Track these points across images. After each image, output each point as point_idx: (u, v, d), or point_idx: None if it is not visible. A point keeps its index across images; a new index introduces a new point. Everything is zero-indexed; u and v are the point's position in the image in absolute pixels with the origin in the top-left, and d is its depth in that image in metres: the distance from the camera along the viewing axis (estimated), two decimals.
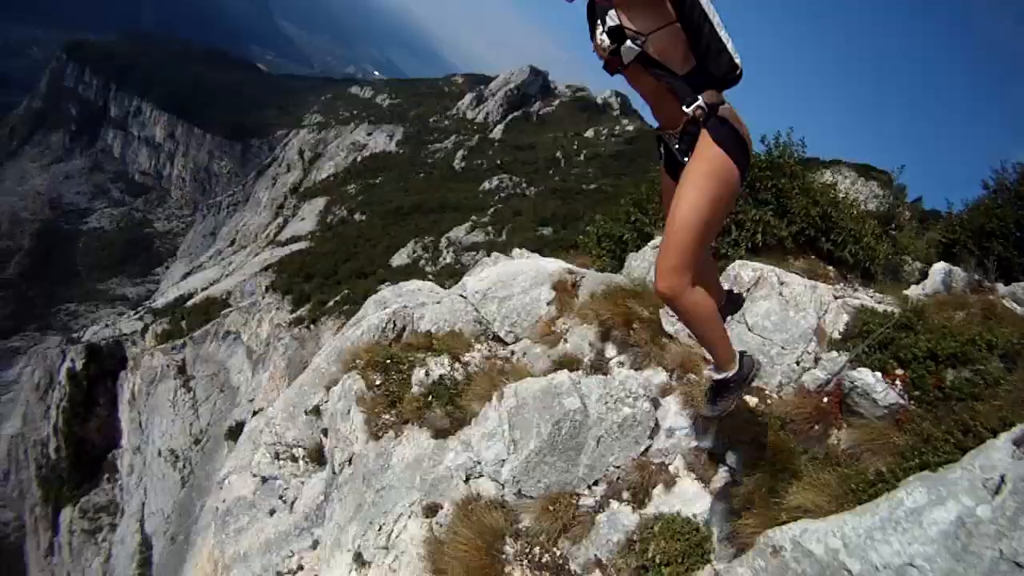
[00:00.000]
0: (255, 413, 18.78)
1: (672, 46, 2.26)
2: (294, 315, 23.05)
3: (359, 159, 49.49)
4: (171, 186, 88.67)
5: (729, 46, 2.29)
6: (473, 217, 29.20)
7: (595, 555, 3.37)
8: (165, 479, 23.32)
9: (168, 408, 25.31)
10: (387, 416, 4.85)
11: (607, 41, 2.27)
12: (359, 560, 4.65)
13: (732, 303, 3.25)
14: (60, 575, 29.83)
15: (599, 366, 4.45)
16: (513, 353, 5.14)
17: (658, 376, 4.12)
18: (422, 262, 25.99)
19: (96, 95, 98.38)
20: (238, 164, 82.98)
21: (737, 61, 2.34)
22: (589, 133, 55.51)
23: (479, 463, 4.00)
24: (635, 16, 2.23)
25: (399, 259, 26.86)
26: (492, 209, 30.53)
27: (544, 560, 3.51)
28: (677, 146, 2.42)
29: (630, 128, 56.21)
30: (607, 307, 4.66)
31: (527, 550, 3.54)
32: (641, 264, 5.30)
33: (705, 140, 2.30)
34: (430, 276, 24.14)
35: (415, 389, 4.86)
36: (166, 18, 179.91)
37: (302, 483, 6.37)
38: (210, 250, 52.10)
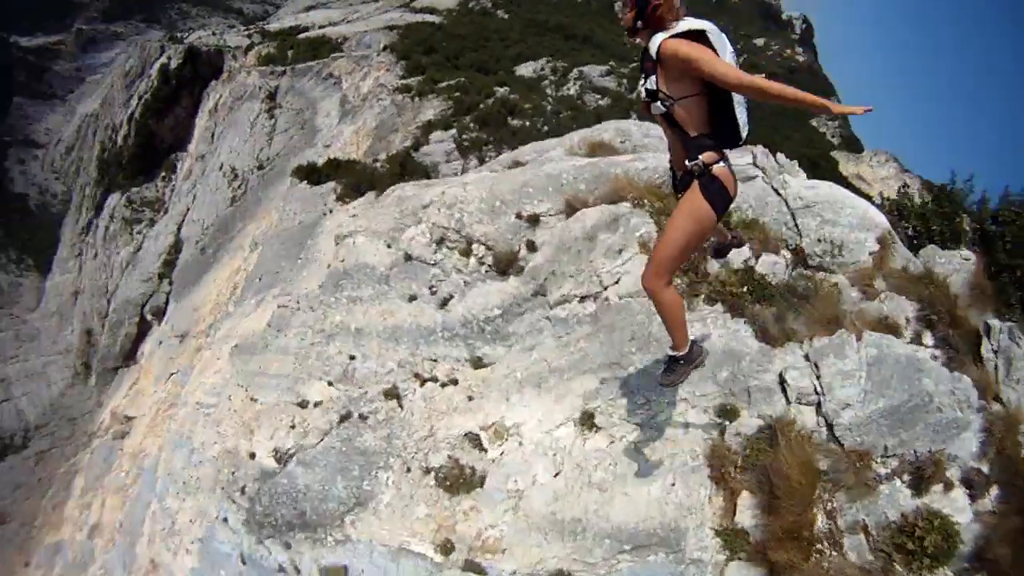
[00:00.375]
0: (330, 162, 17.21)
1: (692, 113, 3.06)
2: (402, 82, 20.89)
3: None
4: None
5: (741, 120, 3.09)
6: (612, 63, 26.28)
7: (864, 520, 3.54)
8: (217, 193, 22.05)
9: (245, 127, 23.77)
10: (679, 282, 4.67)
11: (643, 94, 3.10)
12: (588, 422, 4.48)
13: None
14: (88, 253, 29.65)
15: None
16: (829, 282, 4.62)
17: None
18: (545, 83, 23.36)
19: None
20: None
21: (743, 133, 3.14)
22: (759, 41, 50.72)
23: (822, 395, 3.90)
24: (670, 83, 3.01)
25: (524, 70, 24.30)
26: (634, 64, 27.58)
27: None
28: (677, 182, 3.45)
29: (800, 59, 50.95)
30: (924, 291, 4.40)
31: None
32: (947, 266, 4.68)
33: (695, 189, 3.11)
34: (550, 98, 22.45)
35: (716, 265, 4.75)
36: None
37: (466, 284, 5.96)
38: None
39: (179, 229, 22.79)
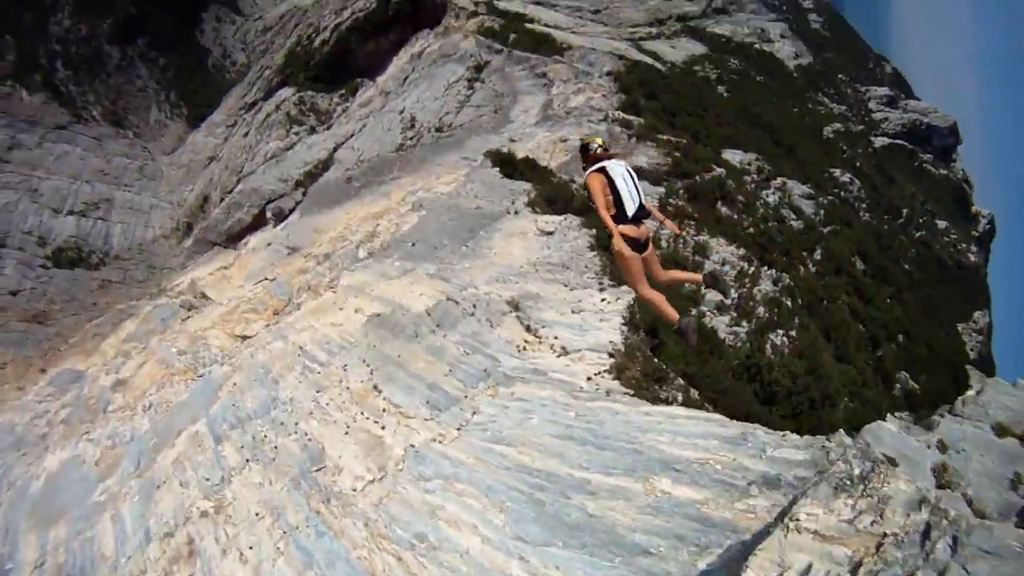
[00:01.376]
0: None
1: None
2: (622, 114, 19.87)
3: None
4: None
5: (629, 208, 5.79)
6: (810, 186, 24.63)
7: None
8: (387, 132, 21.62)
9: (440, 86, 23.28)
10: None
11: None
12: None
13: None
14: (240, 128, 29.65)
15: None
16: None
17: None
18: (748, 178, 22.11)
19: None
20: None
21: (628, 211, 5.79)
22: (941, 223, 48.11)
23: None
24: None
25: (731, 156, 22.89)
26: (831, 196, 25.81)
27: None
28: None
29: (972, 258, 47.93)
30: None
31: None
32: None
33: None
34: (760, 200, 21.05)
35: None
36: None
37: None
38: None
39: (335, 149, 22.17)
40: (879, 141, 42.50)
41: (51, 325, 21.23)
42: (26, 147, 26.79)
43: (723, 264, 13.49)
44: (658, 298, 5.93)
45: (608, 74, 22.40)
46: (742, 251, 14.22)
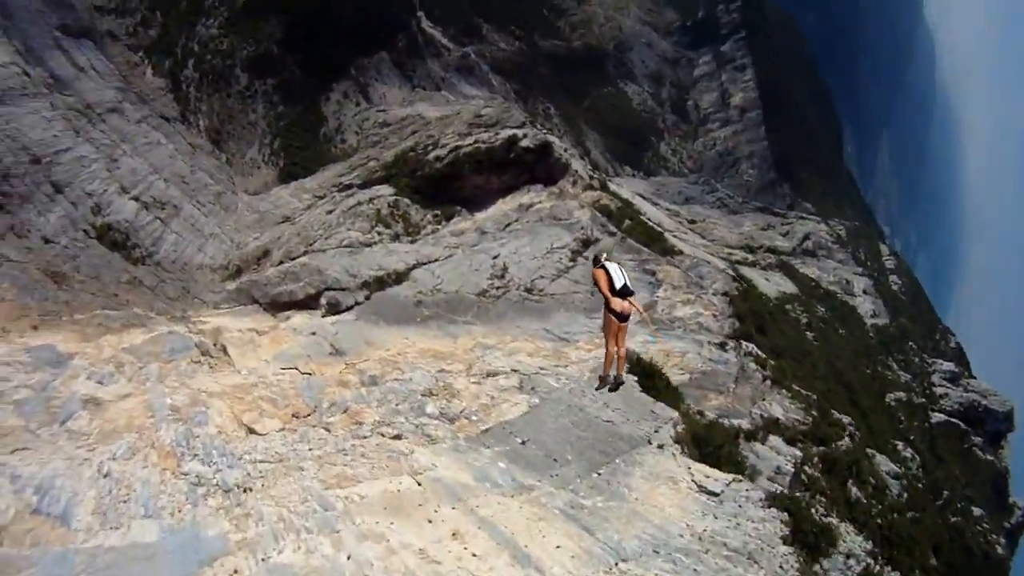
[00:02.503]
0: None
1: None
2: (758, 352, 18.71)
3: None
4: None
5: (617, 285, 10.28)
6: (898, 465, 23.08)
7: None
8: (474, 272, 20.37)
9: (543, 246, 22.45)
10: None
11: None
12: None
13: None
14: (303, 202, 28.99)
15: None
16: None
17: None
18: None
19: None
20: None
21: (616, 287, 10.29)
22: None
23: None
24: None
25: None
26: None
27: None
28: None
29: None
30: None
31: None
32: None
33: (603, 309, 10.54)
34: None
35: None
36: None
37: None
38: None
39: (414, 266, 21.16)
40: (936, 417, 41.22)
41: (65, 291, 19.69)
42: (126, 117, 26.27)
43: (847, 558, 11.58)
44: (612, 355, 10.65)
45: (723, 294, 21.35)
46: (870, 544, 12.38)
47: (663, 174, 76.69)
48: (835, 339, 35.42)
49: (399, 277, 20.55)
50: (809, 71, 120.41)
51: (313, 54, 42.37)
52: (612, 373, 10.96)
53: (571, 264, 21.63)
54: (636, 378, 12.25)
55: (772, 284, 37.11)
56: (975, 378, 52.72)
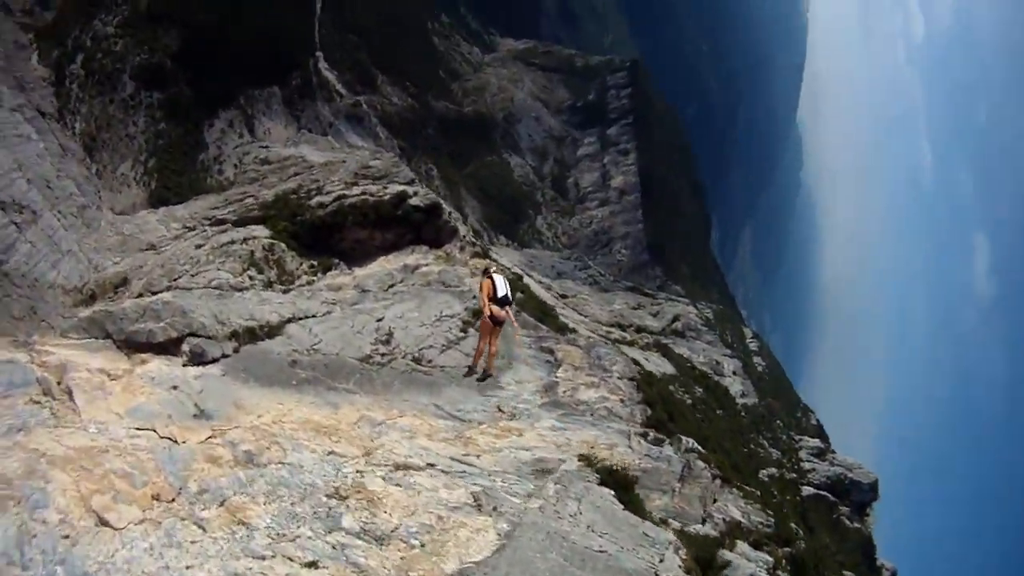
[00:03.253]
0: None
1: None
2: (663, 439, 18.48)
3: None
4: None
5: (499, 295, 15.34)
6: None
7: None
8: (356, 335, 19.40)
9: (430, 314, 21.66)
10: None
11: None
12: None
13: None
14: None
15: None
16: None
17: None
18: None
19: None
20: None
21: (499, 296, 15.35)
22: None
23: None
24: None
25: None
26: None
27: None
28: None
29: None
30: None
31: None
32: None
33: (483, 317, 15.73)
34: None
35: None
36: None
37: None
38: None
39: (289, 320, 19.96)
40: (806, 490, 44.00)
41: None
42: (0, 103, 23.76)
43: None
44: (482, 352, 15.40)
45: (631, 379, 21.16)
46: None
47: (536, 247, 78.04)
48: (715, 420, 36.53)
49: (272, 331, 19.28)
50: (685, 160, 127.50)
51: (205, 74, 40.59)
52: (482, 366, 16.41)
53: (462, 335, 21.02)
54: (612, 492, 11.42)
55: (652, 364, 37.92)
56: (835, 453, 56.34)
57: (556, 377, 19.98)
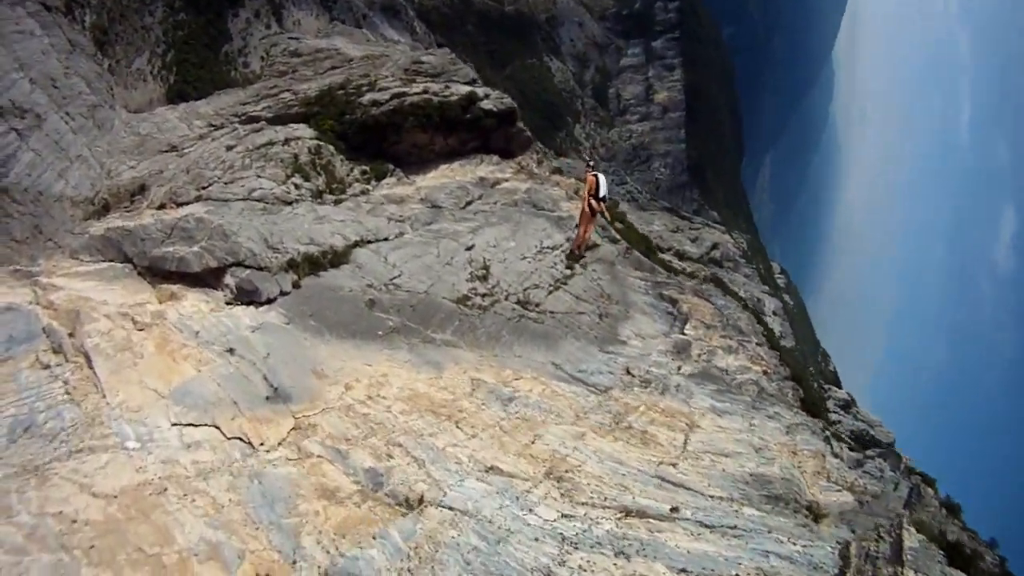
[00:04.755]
0: None
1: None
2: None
3: None
4: None
5: (600, 194, 16.75)
6: None
7: None
8: (445, 267, 15.07)
9: (520, 231, 17.43)
10: None
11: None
12: None
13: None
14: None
15: None
16: None
17: None
18: None
19: None
20: None
21: (600, 195, 16.75)
22: None
23: None
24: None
25: None
26: None
27: None
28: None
29: None
30: None
31: None
32: None
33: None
34: None
35: None
36: None
37: None
38: None
39: (356, 244, 15.72)
40: None
41: None
42: None
43: None
44: (583, 236, 16.81)
45: (772, 348, 17.08)
46: None
47: (572, 157, 73.05)
48: None
49: (336, 258, 14.93)
50: (728, 84, 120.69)
51: None
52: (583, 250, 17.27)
53: (568, 272, 16.72)
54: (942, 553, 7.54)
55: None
56: (858, 407, 53.13)
57: (686, 335, 15.86)
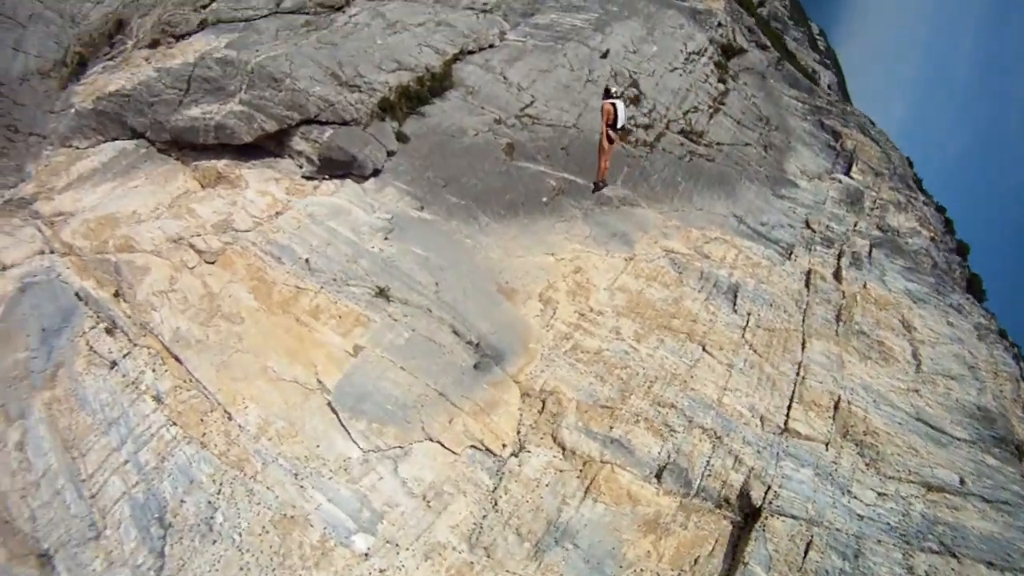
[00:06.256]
0: None
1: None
2: None
3: None
4: None
5: (619, 124, 9.95)
6: None
7: None
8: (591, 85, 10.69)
9: (676, 57, 13.11)
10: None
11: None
12: None
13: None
14: None
15: None
16: None
17: None
18: None
19: None
20: None
21: (619, 125, 10.00)
22: None
23: None
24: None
25: None
26: None
27: None
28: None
29: None
30: None
31: None
32: None
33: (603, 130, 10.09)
34: None
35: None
36: None
37: None
38: None
39: (455, 57, 11.34)
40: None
41: None
42: None
43: None
44: (604, 164, 10.36)
45: (937, 209, 13.95)
46: None
47: None
48: None
49: (437, 83, 10.61)
50: None
51: None
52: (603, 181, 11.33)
53: (721, 87, 12.66)
54: None
55: None
56: None
57: (854, 179, 12.32)
